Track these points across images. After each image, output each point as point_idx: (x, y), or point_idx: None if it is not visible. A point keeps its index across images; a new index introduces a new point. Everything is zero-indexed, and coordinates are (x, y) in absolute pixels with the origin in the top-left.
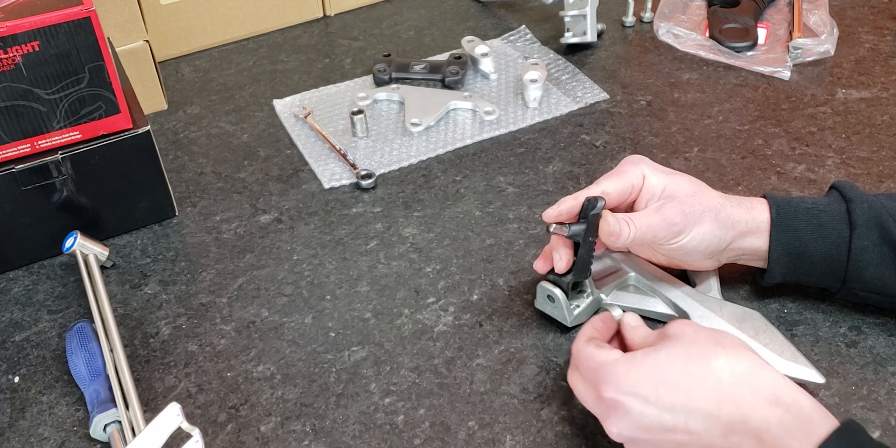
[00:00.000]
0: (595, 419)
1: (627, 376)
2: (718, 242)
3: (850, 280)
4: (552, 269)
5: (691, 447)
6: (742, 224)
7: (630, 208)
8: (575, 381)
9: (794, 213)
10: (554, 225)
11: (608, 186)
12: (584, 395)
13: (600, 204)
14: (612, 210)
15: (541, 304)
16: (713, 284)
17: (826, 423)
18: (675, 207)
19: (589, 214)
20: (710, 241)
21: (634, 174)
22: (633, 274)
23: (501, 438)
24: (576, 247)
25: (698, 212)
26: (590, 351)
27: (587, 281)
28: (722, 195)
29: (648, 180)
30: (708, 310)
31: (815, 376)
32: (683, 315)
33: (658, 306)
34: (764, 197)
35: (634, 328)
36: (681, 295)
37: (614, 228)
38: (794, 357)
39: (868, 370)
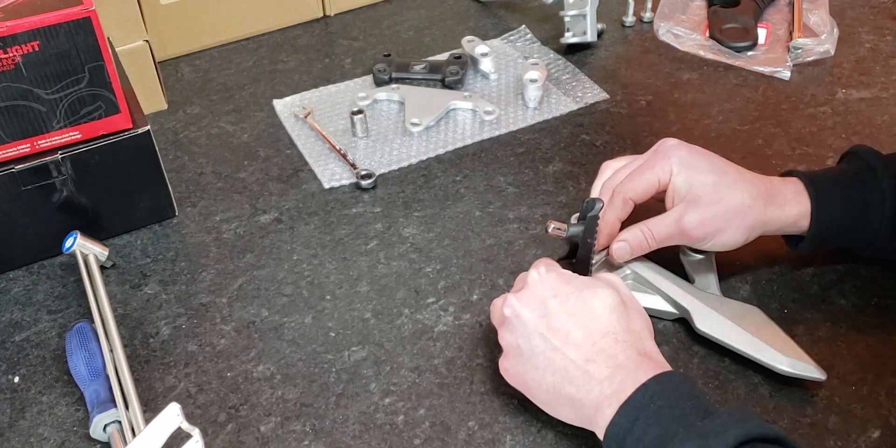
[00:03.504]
0: None
1: (558, 276)
2: (744, 240)
3: (876, 243)
4: None
5: (554, 355)
6: (775, 222)
7: (651, 199)
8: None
9: (831, 189)
10: (553, 225)
11: (630, 190)
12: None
13: (598, 206)
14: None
15: None
16: (712, 281)
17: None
18: (694, 217)
19: (587, 216)
20: (735, 242)
21: (661, 171)
22: (631, 272)
23: (501, 438)
24: (575, 247)
25: (721, 220)
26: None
27: None
28: (757, 190)
29: (674, 180)
30: (708, 306)
31: (817, 373)
32: (683, 311)
33: (658, 303)
34: (793, 174)
35: None
36: (680, 292)
37: (634, 242)
38: (796, 354)
39: (868, 370)
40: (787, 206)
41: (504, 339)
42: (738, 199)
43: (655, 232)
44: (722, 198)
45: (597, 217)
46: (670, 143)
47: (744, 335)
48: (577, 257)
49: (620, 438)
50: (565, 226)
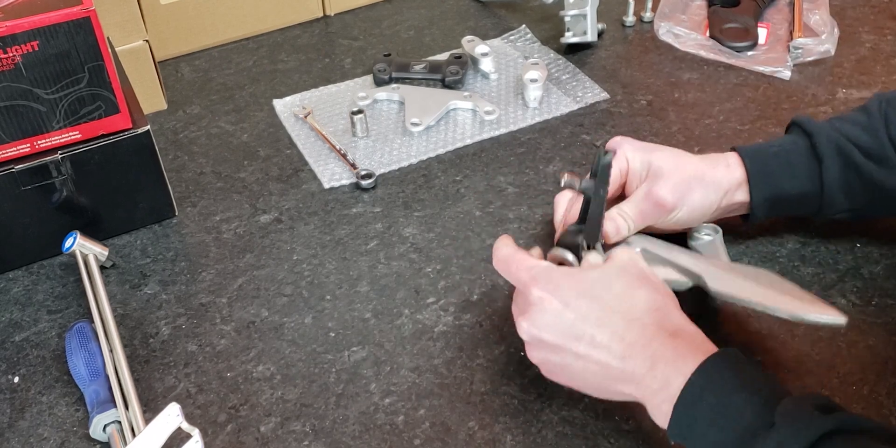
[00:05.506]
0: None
1: (558, 281)
2: (710, 205)
3: (825, 207)
4: (561, 236)
5: (588, 361)
6: (726, 182)
7: (622, 190)
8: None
9: (765, 159)
10: (566, 176)
11: None
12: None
13: (609, 155)
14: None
15: None
16: (720, 249)
17: (713, 349)
18: (662, 186)
19: (599, 165)
20: (703, 206)
21: (620, 161)
22: (640, 249)
23: (501, 439)
24: (586, 210)
25: (685, 183)
26: (521, 256)
27: (599, 249)
28: (700, 158)
29: (632, 164)
30: (720, 269)
31: (838, 317)
32: (695, 278)
33: (670, 274)
34: (734, 150)
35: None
36: (691, 260)
37: (611, 229)
38: (813, 301)
39: (868, 370)
40: (731, 168)
41: (533, 357)
42: (692, 165)
43: (629, 210)
44: (678, 166)
45: (609, 165)
46: (615, 139)
47: (758, 289)
48: (590, 212)
49: (683, 439)
50: (579, 178)
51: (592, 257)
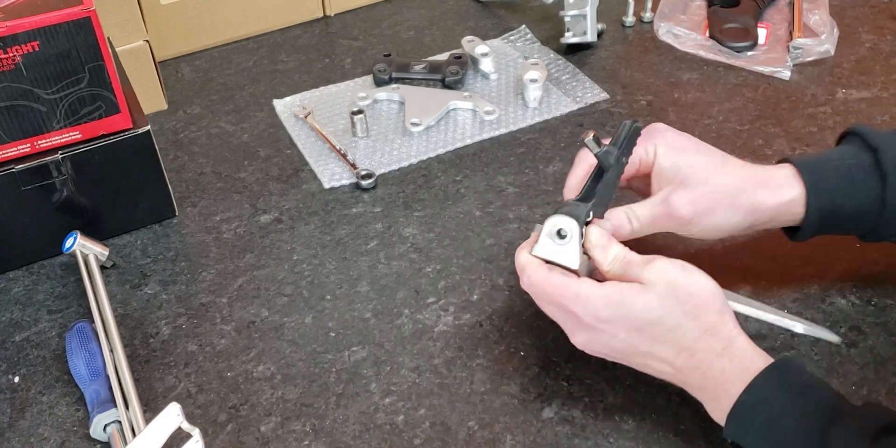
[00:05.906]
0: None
1: (605, 311)
2: (735, 227)
3: (881, 227)
4: (561, 206)
5: (650, 369)
6: (769, 210)
7: (647, 180)
8: (538, 299)
9: (824, 174)
10: (590, 134)
11: None
12: (549, 308)
13: (639, 123)
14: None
15: (542, 245)
16: None
17: (762, 365)
18: (682, 198)
19: (630, 127)
20: (724, 228)
21: (644, 151)
22: None
23: (501, 438)
24: (597, 178)
25: (710, 201)
26: (559, 280)
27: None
28: (746, 173)
29: (659, 161)
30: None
31: (831, 334)
32: None
33: None
34: (787, 161)
35: (603, 248)
36: None
37: (615, 222)
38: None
39: (868, 370)
40: (780, 190)
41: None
42: (727, 181)
43: (640, 213)
44: (710, 178)
45: (637, 134)
46: (657, 126)
47: (753, 302)
48: (604, 181)
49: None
50: (601, 144)
51: (594, 236)
